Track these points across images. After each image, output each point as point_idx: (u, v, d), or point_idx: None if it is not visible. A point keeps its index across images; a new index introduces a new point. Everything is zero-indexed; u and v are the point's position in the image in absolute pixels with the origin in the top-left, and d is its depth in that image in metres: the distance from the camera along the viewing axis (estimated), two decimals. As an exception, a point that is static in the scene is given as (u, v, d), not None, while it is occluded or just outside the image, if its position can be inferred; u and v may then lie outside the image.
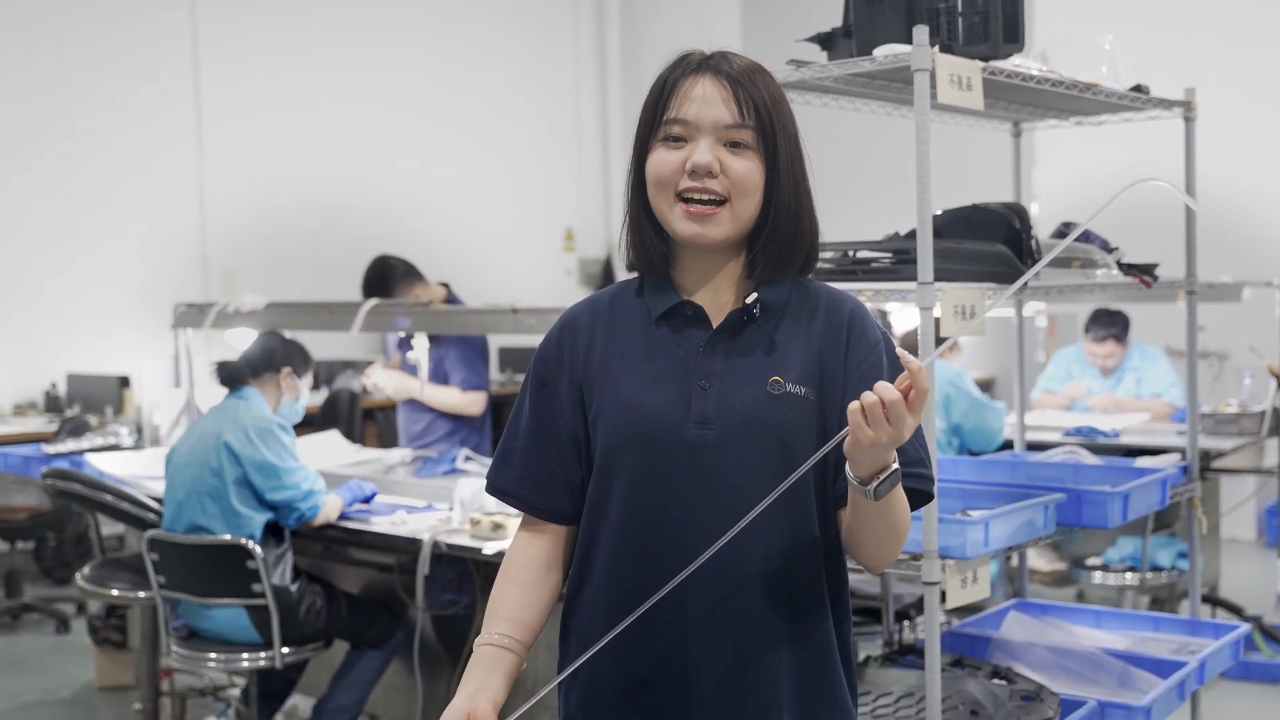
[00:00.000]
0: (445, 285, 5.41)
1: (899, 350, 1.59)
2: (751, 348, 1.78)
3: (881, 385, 1.54)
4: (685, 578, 1.66)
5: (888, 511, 1.69)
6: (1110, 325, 6.20)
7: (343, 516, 4.04)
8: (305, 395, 4.20)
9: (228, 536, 3.80)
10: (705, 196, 1.74)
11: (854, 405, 1.55)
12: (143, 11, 8.02)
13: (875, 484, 1.63)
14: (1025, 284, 2.91)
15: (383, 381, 5.19)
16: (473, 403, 5.19)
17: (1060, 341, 7.47)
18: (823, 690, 1.80)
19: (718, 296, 1.82)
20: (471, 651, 1.81)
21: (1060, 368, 6.51)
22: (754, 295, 1.79)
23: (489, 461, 4.69)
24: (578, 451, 1.84)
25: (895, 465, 1.63)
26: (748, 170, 1.74)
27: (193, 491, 3.89)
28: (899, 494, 1.70)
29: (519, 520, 1.95)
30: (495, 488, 1.92)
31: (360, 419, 7.10)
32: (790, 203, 1.78)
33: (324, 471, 4.23)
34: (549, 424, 1.85)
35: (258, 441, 3.87)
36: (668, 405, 1.76)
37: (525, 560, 1.88)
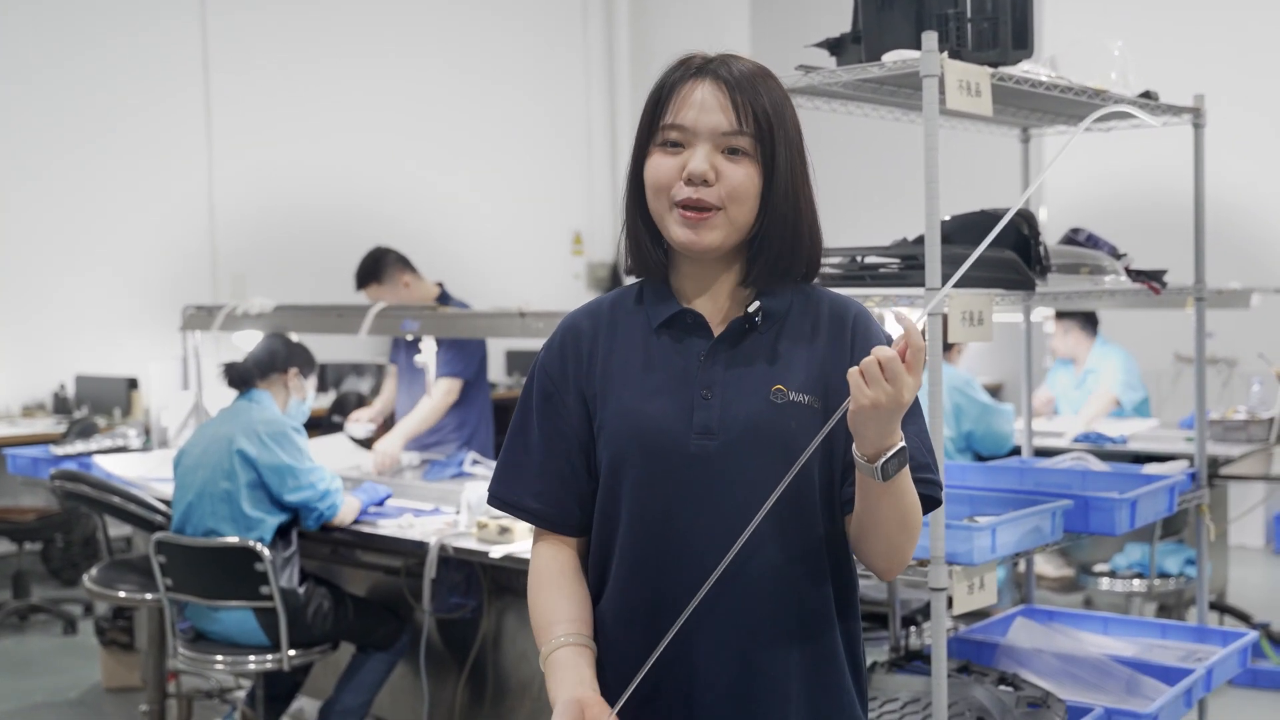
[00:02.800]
0: (440, 285, 5.46)
1: (895, 310, 1.59)
2: (753, 357, 1.77)
3: (878, 347, 1.56)
4: (691, 585, 1.66)
5: (897, 497, 1.67)
6: (1071, 314, 6.23)
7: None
8: (312, 396, 4.21)
9: (236, 539, 3.81)
10: (700, 210, 1.72)
11: (852, 370, 1.56)
12: (153, 16, 8.04)
13: (882, 461, 1.61)
14: (1033, 290, 2.91)
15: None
16: (449, 390, 5.20)
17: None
18: (830, 698, 1.79)
19: (717, 304, 1.80)
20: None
21: (1054, 373, 6.56)
22: (756, 304, 1.78)
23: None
24: (587, 461, 1.82)
25: (901, 444, 1.62)
26: (743, 178, 1.72)
27: (203, 494, 3.90)
28: (908, 484, 1.68)
29: (527, 527, 1.94)
30: (504, 501, 1.88)
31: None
32: (787, 211, 1.75)
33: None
34: (558, 436, 1.82)
35: (272, 444, 3.87)
36: (669, 416, 1.75)
37: (559, 567, 1.84)
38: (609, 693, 1.75)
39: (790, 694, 1.76)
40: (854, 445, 1.64)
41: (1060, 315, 6.25)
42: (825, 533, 1.78)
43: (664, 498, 1.74)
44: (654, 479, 1.75)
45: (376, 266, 5.39)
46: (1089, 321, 6.26)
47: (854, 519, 1.76)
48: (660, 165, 1.75)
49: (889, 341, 1.80)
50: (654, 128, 1.77)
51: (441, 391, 5.17)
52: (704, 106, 1.73)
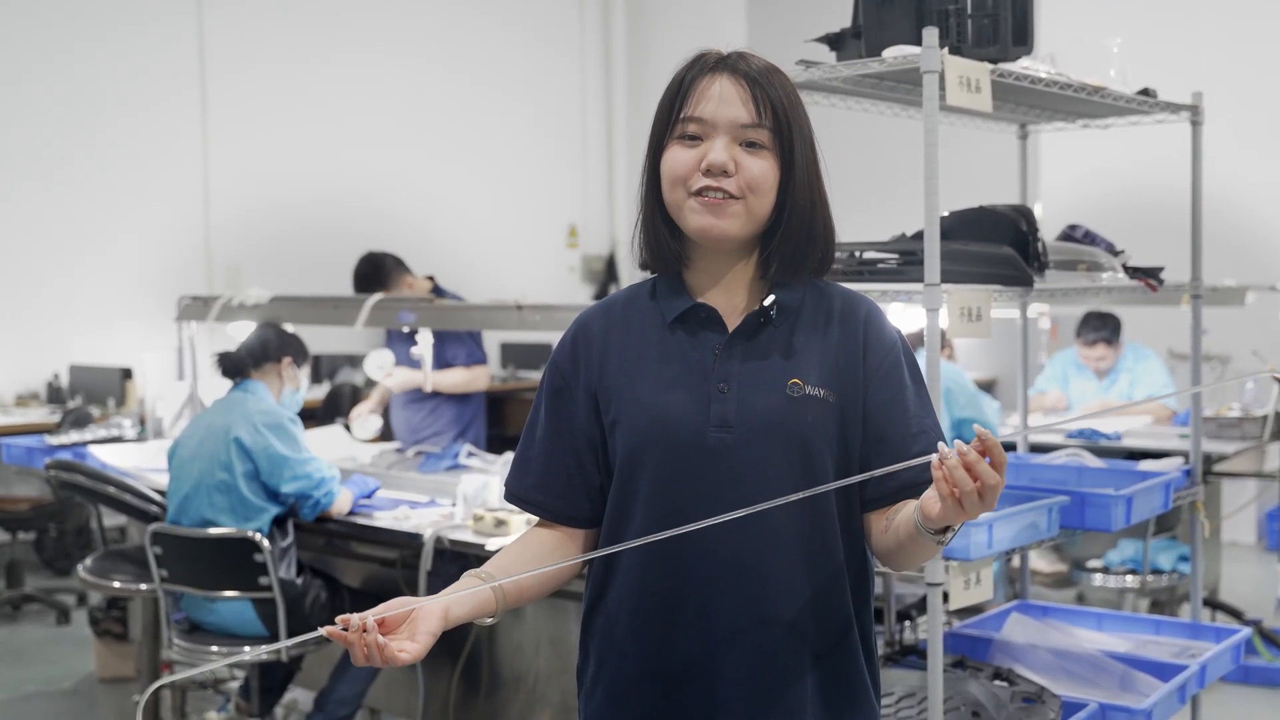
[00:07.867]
0: (431, 278, 5.46)
1: (975, 427, 1.56)
2: (769, 350, 1.78)
3: (986, 470, 1.51)
4: (707, 578, 1.70)
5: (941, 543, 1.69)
6: (1100, 328, 6.19)
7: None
8: (305, 385, 4.21)
9: (235, 530, 3.81)
10: (719, 195, 1.73)
11: (949, 492, 1.53)
12: (150, 8, 8.02)
13: (951, 535, 1.64)
14: (1031, 287, 2.92)
15: (389, 376, 5.27)
16: (477, 377, 5.32)
17: (1063, 344, 7.46)
18: (847, 686, 1.81)
19: (731, 298, 1.81)
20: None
21: (1056, 369, 6.51)
22: (771, 298, 1.79)
23: (491, 457, 4.73)
24: (595, 456, 1.84)
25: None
26: (763, 170, 1.74)
27: (200, 485, 3.89)
28: None
29: (524, 520, 1.95)
30: (513, 495, 1.93)
31: (363, 413, 7.10)
32: (804, 204, 1.77)
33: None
34: (565, 430, 1.85)
35: (268, 434, 3.87)
36: (687, 408, 1.76)
37: (534, 533, 1.90)
38: (625, 679, 1.80)
39: (808, 684, 1.77)
40: (918, 514, 1.62)
41: (1093, 341, 6.20)
42: (842, 528, 1.79)
43: (680, 490, 1.76)
44: (671, 471, 1.76)
45: (379, 272, 5.35)
46: (1115, 332, 6.22)
47: (890, 545, 1.77)
48: (678, 157, 1.75)
49: (900, 340, 1.82)
50: (671, 121, 1.77)
51: (473, 375, 5.34)
52: (723, 99, 1.74)
